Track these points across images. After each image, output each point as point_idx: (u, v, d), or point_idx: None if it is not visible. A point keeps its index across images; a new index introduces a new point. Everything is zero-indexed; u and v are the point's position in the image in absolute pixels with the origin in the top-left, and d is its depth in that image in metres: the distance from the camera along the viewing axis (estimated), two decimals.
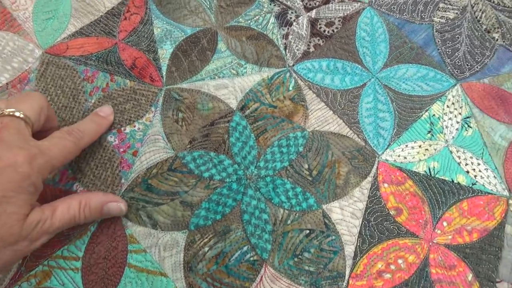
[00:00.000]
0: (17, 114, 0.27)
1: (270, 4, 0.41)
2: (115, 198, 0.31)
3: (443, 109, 0.39)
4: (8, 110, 0.27)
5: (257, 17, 0.40)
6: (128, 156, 0.35)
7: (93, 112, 0.34)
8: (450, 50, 0.41)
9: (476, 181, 0.36)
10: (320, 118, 0.37)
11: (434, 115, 0.38)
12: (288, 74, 0.39)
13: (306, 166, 0.36)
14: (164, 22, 0.40)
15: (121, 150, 0.35)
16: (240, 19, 0.40)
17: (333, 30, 0.40)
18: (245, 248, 0.33)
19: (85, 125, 0.31)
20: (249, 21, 0.40)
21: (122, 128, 0.35)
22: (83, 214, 0.29)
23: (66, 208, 0.28)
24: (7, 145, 0.25)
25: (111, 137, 0.35)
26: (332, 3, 0.42)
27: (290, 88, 0.38)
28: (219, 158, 0.35)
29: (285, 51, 0.39)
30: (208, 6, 0.40)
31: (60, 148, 0.27)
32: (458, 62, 0.40)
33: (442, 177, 0.36)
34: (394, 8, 0.42)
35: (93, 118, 0.33)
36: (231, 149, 0.36)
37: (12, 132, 0.26)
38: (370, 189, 0.36)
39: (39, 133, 0.30)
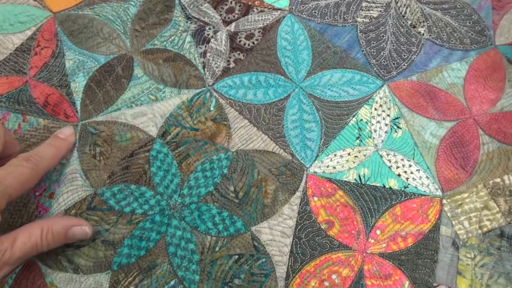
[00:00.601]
0: None
1: (187, 22, 0.40)
2: (79, 222, 0.30)
3: (371, 112, 0.38)
4: None
5: (172, 37, 0.39)
6: (44, 199, 0.33)
7: (53, 134, 0.33)
8: (375, 50, 0.40)
9: (408, 184, 0.35)
10: (244, 136, 0.36)
11: (361, 119, 0.37)
12: (208, 94, 0.37)
13: (232, 188, 0.35)
14: (77, 53, 0.38)
15: (37, 194, 0.33)
16: (156, 41, 0.39)
17: (253, 42, 0.39)
18: (172, 282, 0.32)
19: (43, 150, 0.31)
20: (165, 43, 0.39)
21: None
22: (46, 241, 0.28)
23: (27, 236, 0.27)
24: None
25: None
26: (251, 14, 0.41)
27: (211, 108, 0.37)
28: (140, 191, 0.34)
29: (204, 70, 0.38)
30: (123, 31, 0.39)
31: (16, 176, 0.27)
32: (384, 61, 0.39)
33: (373, 184, 0.35)
34: (315, 13, 0.41)
35: (51, 141, 0.32)
36: (152, 180, 0.34)
37: None
38: (300, 204, 0.35)
39: None
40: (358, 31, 0.40)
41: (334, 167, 0.36)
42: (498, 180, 0.35)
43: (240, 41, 0.39)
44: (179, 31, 0.39)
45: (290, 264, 0.33)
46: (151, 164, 0.35)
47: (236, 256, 0.33)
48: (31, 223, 0.28)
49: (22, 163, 0.28)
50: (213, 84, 0.38)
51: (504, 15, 0.41)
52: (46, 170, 0.30)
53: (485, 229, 0.34)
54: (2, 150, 0.29)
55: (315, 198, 0.35)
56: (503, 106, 0.37)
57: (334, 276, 0.32)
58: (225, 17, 0.40)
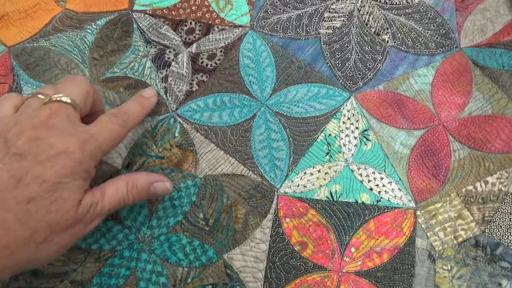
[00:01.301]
0: (64, 99, 0.27)
1: (146, 47, 0.39)
2: (160, 178, 0.31)
3: (339, 126, 0.37)
4: (55, 96, 0.27)
5: (132, 63, 0.38)
6: None
7: (136, 93, 0.34)
8: (340, 62, 0.39)
9: (381, 197, 0.35)
10: (211, 160, 0.36)
11: (330, 134, 0.37)
12: (172, 120, 0.37)
13: (201, 215, 0.34)
14: (35, 87, 0.37)
15: None
16: (115, 69, 0.38)
17: (215, 63, 0.39)
18: None
19: (130, 107, 0.31)
20: (125, 70, 0.38)
21: None
22: (131, 195, 0.29)
23: (114, 190, 0.28)
24: (58, 132, 0.25)
25: None
26: (212, 33, 0.40)
27: (176, 135, 0.36)
28: (107, 226, 0.33)
29: (166, 95, 0.37)
30: (81, 60, 0.38)
31: (108, 132, 0.28)
32: (350, 72, 0.39)
33: (346, 200, 0.35)
34: (277, 27, 0.40)
35: (137, 99, 0.33)
36: (119, 213, 0.34)
37: (62, 118, 0.26)
38: (272, 227, 0.34)
39: (87, 117, 0.30)
40: (322, 43, 0.40)
41: (305, 186, 0.35)
42: (470, 187, 0.34)
43: (202, 62, 0.38)
44: (139, 56, 0.38)
45: None
46: None
47: (210, 286, 0.32)
48: (117, 178, 0.29)
49: (112, 120, 0.29)
50: (177, 109, 0.37)
51: (468, 17, 0.40)
52: (133, 128, 0.31)
53: (460, 239, 0.33)
54: (91, 108, 0.30)
55: (287, 219, 0.34)
56: (471, 110, 0.37)
57: None
58: (185, 39, 0.39)
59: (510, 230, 0.33)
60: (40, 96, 0.28)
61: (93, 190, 0.27)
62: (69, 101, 0.27)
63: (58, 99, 0.27)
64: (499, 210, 0.33)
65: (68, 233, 0.25)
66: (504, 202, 0.33)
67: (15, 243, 0.23)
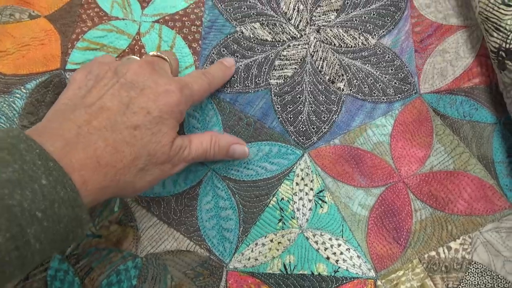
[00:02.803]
0: (163, 56, 0.32)
1: None
2: (240, 141, 0.33)
3: (292, 188, 0.34)
4: (153, 52, 0.32)
5: None
6: None
7: (218, 60, 0.37)
8: (292, 116, 0.36)
9: (339, 267, 0.32)
10: (154, 237, 0.33)
11: (282, 198, 0.34)
12: None
13: None
14: None
15: None
16: None
17: None
18: None
19: (215, 70, 0.34)
20: None
21: None
22: (213, 150, 0.31)
23: (200, 142, 0.30)
24: (160, 74, 0.29)
25: None
26: None
27: (116, 209, 0.33)
28: None
29: None
30: None
31: (199, 85, 0.31)
32: (303, 127, 0.36)
33: (301, 272, 0.32)
34: None
35: (220, 66, 0.36)
36: None
37: (161, 66, 0.30)
38: None
39: None
40: (273, 95, 0.37)
41: (256, 259, 0.32)
42: (433, 253, 0.32)
43: None
44: None
45: None
46: (49, 287, 0.31)
47: None
48: (202, 132, 0.32)
49: (202, 77, 0.32)
50: None
51: (427, 58, 0.38)
52: (215, 89, 0.35)
53: None
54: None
55: None
56: (433, 165, 0.34)
57: None
58: None
59: None
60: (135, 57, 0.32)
61: (181, 136, 0.29)
62: (166, 58, 0.31)
63: (158, 54, 0.32)
64: (463, 280, 0.30)
65: (160, 168, 0.27)
66: (468, 272, 0.30)
67: (121, 163, 0.25)
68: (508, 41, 0.31)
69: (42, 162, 0.20)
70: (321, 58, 0.38)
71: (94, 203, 0.24)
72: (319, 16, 0.40)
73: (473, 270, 0.31)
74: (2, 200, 0.18)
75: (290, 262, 0.32)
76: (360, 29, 0.39)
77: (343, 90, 0.37)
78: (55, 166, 0.21)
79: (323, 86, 0.37)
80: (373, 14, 0.40)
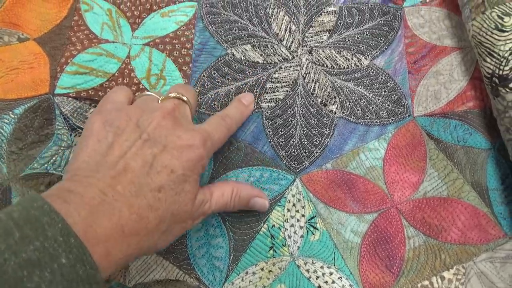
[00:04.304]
0: (184, 98, 0.30)
1: (71, 135, 0.35)
2: (261, 194, 0.32)
3: (284, 215, 0.34)
4: (175, 93, 0.30)
5: (54, 157, 0.35)
6: None
7: (236, 98, 0.35)
8: (283, 140, 0.36)
9: None
10: (142, 266, 0.32)
11: (273, 225, 0.33)
12: None
13: None
14: None
15: None
16: (35, 164, 0.34)
17: None
18: None
19: (233, 112, 0.33)
20: (46, 165, 0.34)
21: None
22: (233, 203, 0.30)
23: (220, 193, 0.29)
24: (182, 125, 0.27)
25: None
26: None
27: None
28: None
29: None
30: None
31: (219, 133, 0.30)
32: (294, 151, 0.35)
33: None
34: (215, 104, 0.37)
35: (238, 106, 0.34)
36: None
37: (182, 114, 0.29)
38: None
39: None
40: (264, 118, 0.37)
41: None
42: (426, 283, 0.31)
43: None
44: (62, 148, 0.35)
45: None
46: None
47: None
48: (224, 182, 0.32)
49: (221, 122, 0.31)
50: None
51: (421, 80, 0.37)
52: (233, 132, 0.33)
53: None
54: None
55: None
56: (426, 190, 0.34)
57: None
58: None
59: None
60: (151, 94, 0.31)
61: (202, 188, 0.28)
62: (186, 99, 0.30)
63: (179, 96, 0.29)
64: None
65: (181, 226, 0.26)
66: None
67: (145, 230, 0.23)
68: (501, 67, 0.30)
69: (64, 238, 0.19)
70: (313, 80, 0.38)
71: (115, 271, 0.24)
72: (312, 37, 0.39)
73: None
74: (21, 283, 0.18)
75: None
76: (353, 49, 0.39)
77: (335, 113, 0.37)
78: (76, 243, 0.20)
79: (315, 109, 0.37)
80: (366, 34, 0.40)
